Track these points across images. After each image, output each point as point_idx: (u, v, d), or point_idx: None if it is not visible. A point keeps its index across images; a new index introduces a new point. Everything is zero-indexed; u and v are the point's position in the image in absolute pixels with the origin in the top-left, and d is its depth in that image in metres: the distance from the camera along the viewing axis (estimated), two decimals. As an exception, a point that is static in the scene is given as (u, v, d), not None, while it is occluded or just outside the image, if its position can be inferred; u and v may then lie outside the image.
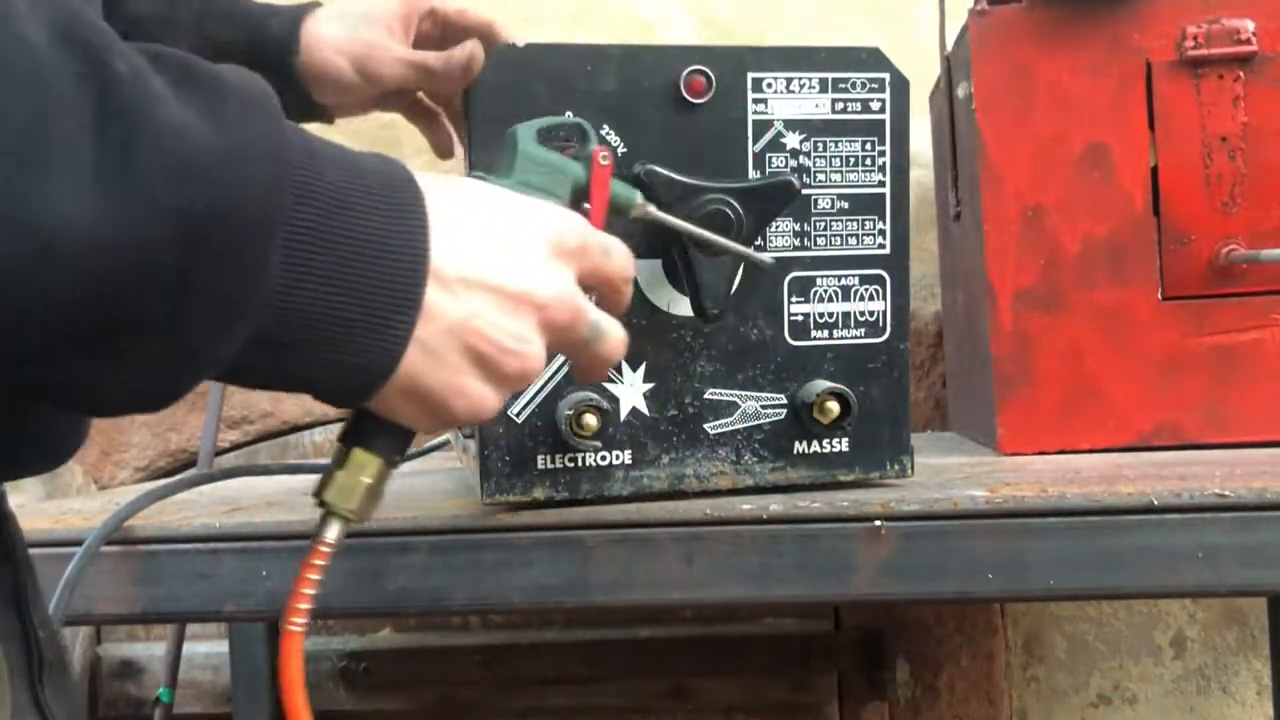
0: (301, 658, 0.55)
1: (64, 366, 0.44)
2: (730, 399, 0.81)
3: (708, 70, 0.79)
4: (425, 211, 0.50)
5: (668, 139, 0.79)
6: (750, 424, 0.82)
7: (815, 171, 0.81)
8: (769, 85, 0.80)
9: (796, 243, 0.82)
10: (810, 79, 0.81)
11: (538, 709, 1.56)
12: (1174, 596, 1.50)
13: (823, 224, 0.82)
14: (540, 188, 0.63)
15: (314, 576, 0.56)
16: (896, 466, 0.84)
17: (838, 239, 0.82)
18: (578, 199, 0.65)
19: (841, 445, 0.83)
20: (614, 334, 0.59)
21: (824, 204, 0.82)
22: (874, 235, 0.83)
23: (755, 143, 0.80)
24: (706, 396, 0.81)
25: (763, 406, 0.82)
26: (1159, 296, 1.05)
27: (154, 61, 0.44)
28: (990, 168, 1.06)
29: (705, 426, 0.82)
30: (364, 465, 0.55)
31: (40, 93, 0.40)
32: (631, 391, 0.80)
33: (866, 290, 0.83)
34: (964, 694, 1.53)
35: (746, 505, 0.78)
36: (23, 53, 0.40)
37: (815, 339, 0.83)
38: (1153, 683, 1.58)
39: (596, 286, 0.59)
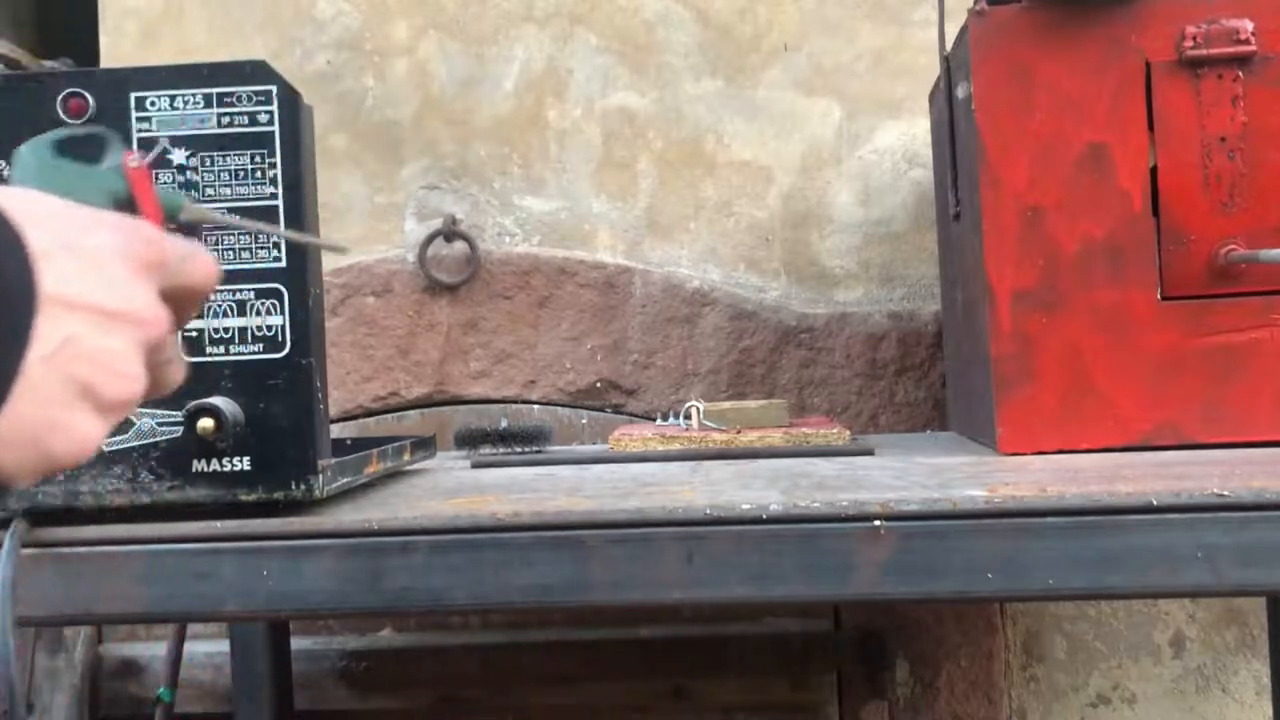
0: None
1: None
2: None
3: (85, 92, 0.81)
4: (22, 237, 0.46)
5: None
6: (146, 442, 0.82)
7: (204, 186, 0.83)
8: (152, 104, 0.82)
9: None
10: (195, 95, 0.82)
11: (538, 709, 1.56)
12: (1174, 596, 1.50)
13: (214, 238, 0.83)
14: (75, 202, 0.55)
15: None
16: (302, 486, 0.83)
17: (230, 253, 0.83)
18: (120, 209, 0.59)
19: (243, 464, 0.82)
20: (182, 358, 0.57)
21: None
22: (268, 248, 0.83)
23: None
24: None
25: (159, 424, 0.82)
26: (1158, 296, 1.05)
27: None
28: (989, 168, 1.06)
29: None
30: None
31: None
32: None
33: (263, 305, 0.83)
34: (963, 694, 1.53)
35: (746, 505, 0.78)
36: None
37: (211, 355, 0.83)
38: (1152, 682, 1.58)
39: (179, 297, 0.55)
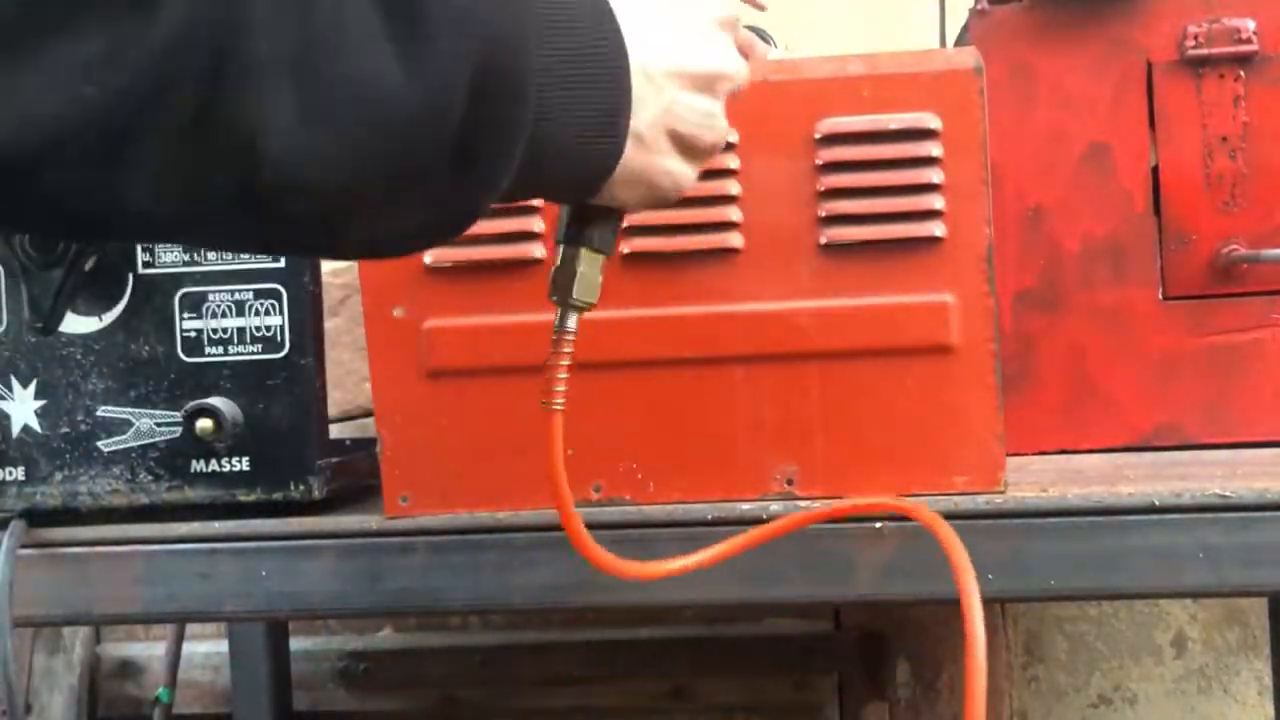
0: (561, 435, 0.67)
1: (372, 216, 0.49)
2: (123, 416, 0.82)
3: None
4: (615, 18, 0.55)
5: None
6: (145, 442, 0.82)
7: None
8: None
9: (186, 258, 0.82)
10: None
11: (538, 709, 1.56)
12: (1174, 596, 1.50)
13: None
14: None
15: (565, 363, 0.66)
16: (301, 486, 0.82)
17: (228, 253, 0.83)
18: None
19: (242, 464, 0.82)
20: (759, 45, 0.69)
21: None
22: None
23: None
24: (99, 414, 0.82)
25: (157, 424, 0.82)
26: (1159, 296, 1.04)
27: None
28: (990, 168, 1.05)
29: (98, 444, 0.82)
30: (593, 260, 0.64)
31: None
32: (23, 408, 0.81)
33: (262, 305, 0.83)
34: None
35: (746, 505, 0.78)
36: None
37: (210, 355, 0.83)
38: (1153, 683, 1.58)
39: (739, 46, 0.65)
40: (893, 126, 0.80)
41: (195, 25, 0.41)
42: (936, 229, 0.80)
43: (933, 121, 0.80)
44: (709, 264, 0.81)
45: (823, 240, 0.81)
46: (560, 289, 0.64)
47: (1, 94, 0.38)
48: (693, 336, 0.81)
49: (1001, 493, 0.79)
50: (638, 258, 0.81)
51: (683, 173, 0.61)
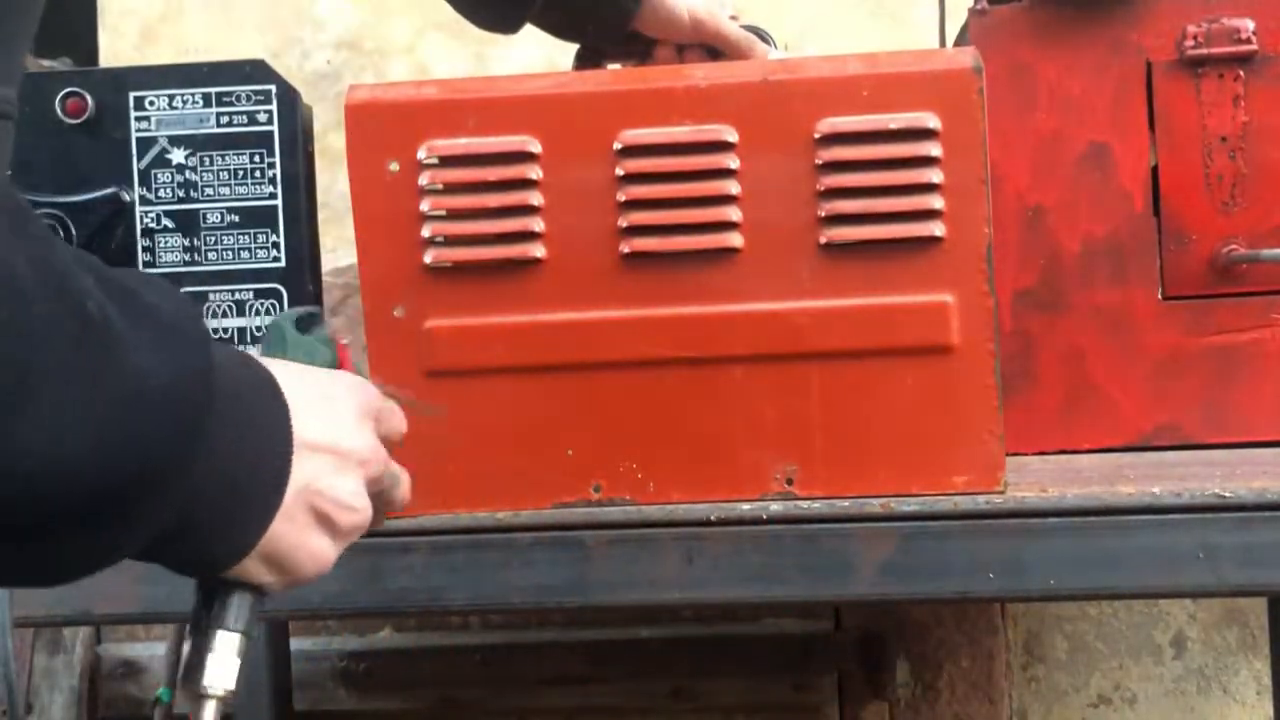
0: None
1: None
2: None
3: (84, 92, 0.81)
4: (284, 396, 0.56)
5: (55, 160, 0.80)
6: None
7: (203, 186, 0.83)
8: (152, 103, 0.82)
9: (187, 258, 0.83)
10: (194, 94, 0.82)
11: (538, 709, 1.56)
12: (1174, 596, 1.50)
13: (213, 238, 0.83)
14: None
15: None
16: None
17: (229, 253, 0.83)
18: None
19: None
20: (405, 478, 0.67)
21: (213, 218, 0.83)
22: (267, 248, 0.83)
23: (140, 160, 0.82)
24: None
25: None
26: (1159, 296, 1.04)
27: (104, 287, 0.48)
28: (990, 167, 1.05)
29: None
30: (229, 642, 0.59)
31: (29, 339, 0.43)
32: None
33: (262, 305, 0.83)
34: (964, 694, 1.53)
35: (746, 505, 0.78)
36: (12, 300, 0.43)
37: None
38: (1153, 683, 1.58)
39: (384, 439, 0.65)
40: (893, 126, 0.80)
41: None
42: (936, 229, 0.80)
43: (932, 121, 0.80)
44: (709, 264, 0.81)
45: (823, 240, 0.81)
46: (191, 678, 0.58)
47: None
48: (693, 336, 0.81)
49: (1001, 493, 0.79)
50: (638, 257, 0.81)
51: (324, 552, 0.59)
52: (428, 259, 0.81)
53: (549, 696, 1.55)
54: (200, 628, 0.59)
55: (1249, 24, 1.03)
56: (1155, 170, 1.04)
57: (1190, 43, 1.03)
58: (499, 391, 0.82)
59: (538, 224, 0.81)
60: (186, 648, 0.60)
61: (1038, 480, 0.84)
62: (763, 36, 0.98)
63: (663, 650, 1.54)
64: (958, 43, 1.13)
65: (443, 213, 0.81)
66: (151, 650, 1.58)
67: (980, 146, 0.82)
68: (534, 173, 0.81)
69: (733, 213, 0.81)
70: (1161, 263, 1.04)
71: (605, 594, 0.78)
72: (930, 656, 1.53)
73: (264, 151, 0.83)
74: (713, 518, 0.78)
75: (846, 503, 0.78)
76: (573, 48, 1.00)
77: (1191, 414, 1.04)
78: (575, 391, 0.80)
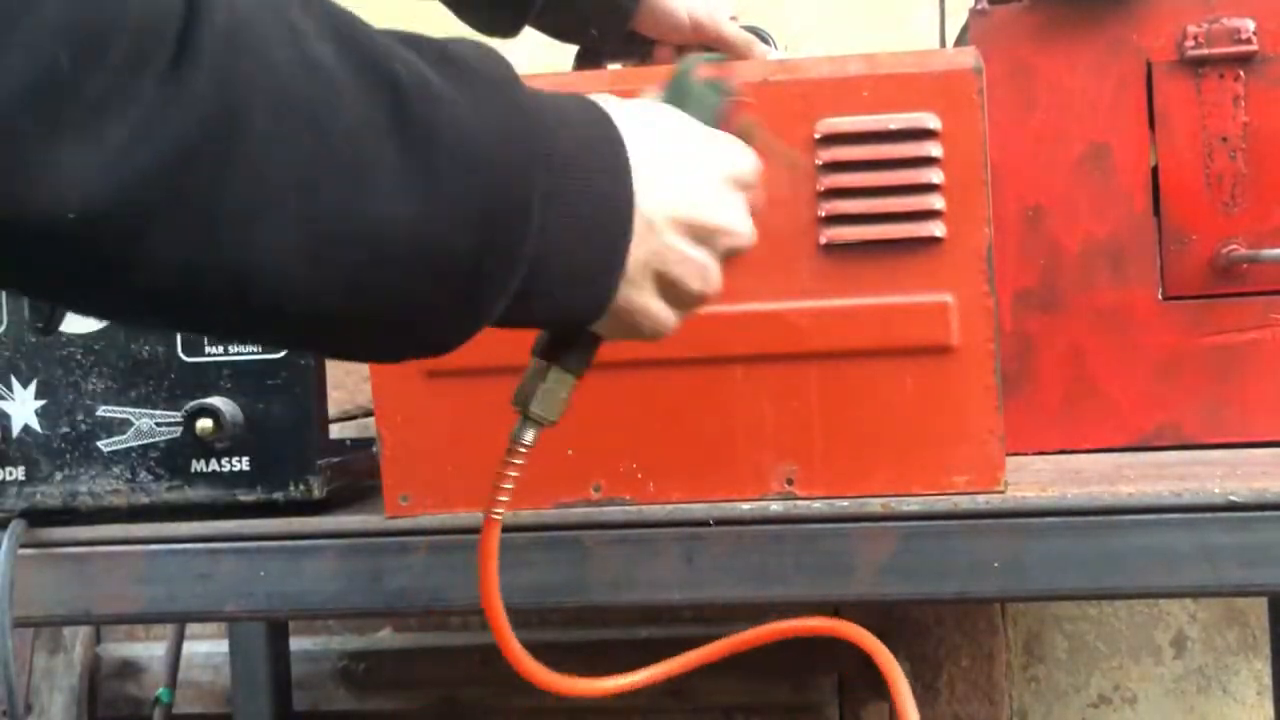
0: (498, 544, 0.67)
1: (363, 339, 0.51)
2: (123, 416, 0.82)
3: None
4: (628, 159, 0.56)
5: None
6: (145, 442, 0.82)
7: None
8: None
9: None
10: None
11: (538, 709, 1.56)
12: (1174, 596, 1.50)
13: None
14: (700, 117, 0.66)
15: (514, 474, 0.65)
16: (301, 486, 0.83)
17: None
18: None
19: (242, 464, 0.82)
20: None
21: None
22: None
23: None
24: (99, 414, 0.82)
25: (157, 424, 0.82)
26: (1159, 296, 1.04)
27: (417, 53, 0.48)
28: (990, 167, 1.05)
29: (99, 444, 0.82)
30: (562, 380, 0.63)
31: (345, 113, 0.44)
32: (23, 408, 0.81)
33: None
34: (964, 694, 1.53)
35: (746, 506, 0.78)
36: (322, 78, 0.43)
37: (210, 355, 0.83)
38: (1153, 683, 1.58)
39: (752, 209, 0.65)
40: (893, 127, 0.80)
41: (196, 142, 0.40)
42: (936, 229, 0.80)
43: (932, 121, 0.80)
44: None
45: (823, 240, 0.81)
46: (522, 399, 0.64)
47: (39, 166, 0.38)
48: (693, 336, 0.81)
49: (1001, 493, 0.79)
50: None
51: (664, 317, 0.61)
52: None
53: (549, 696, 1.55)
54: (541, 358, 0.63)
55: (1249, 24, 1.03)
56: (1155, 170, 1.04)
57: (1190, 43, 1.03)
58: (499, 391, 0.82)
59: None
60: (530, 369, 0.63)
61: (1038, 480, 0.84)
62: (763, 37, 0.98)
63: (663, 650, 1.53)
64: (958, 43, 1.13)
65: None
66: (151, 650, 1.58)
67: (980, 146, 0.82)
68: None
69: None
70: (1161, 263, 1.04)
71: (605, 594, 0.78)
72: (930, 656, 1.53)
73: None
74: (713, 518, 0.78)
75: (846, 503, 0.78)
76: (572, 49, 1.00)
77: (1191, 414, 1.04)
78: (574, 391, 0.80)
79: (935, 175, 0.81)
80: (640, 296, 0.59)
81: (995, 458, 0.81)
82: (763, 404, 0.81)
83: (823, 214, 0.81)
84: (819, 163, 0.81)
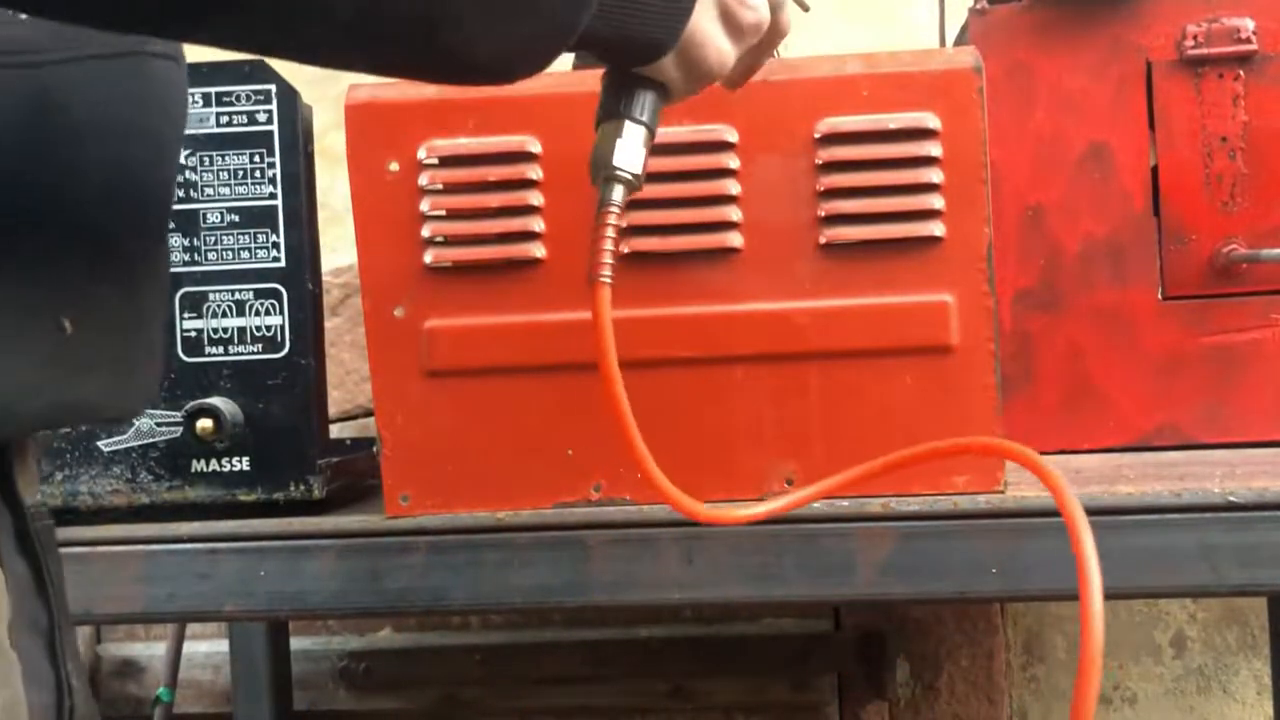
0: (609, 308, 0.64)
1: (484, 22, 0.51)
2: None
3: None
4: None
5: None
6: (145, 442, 0.82)
7: (203, 186, 0.83)
8: None
9: (187, 258, 0.83)
10: (194, 94, 0.82)
11: (538, 709, 1.56)
12: (1174, 596, 1.50)
13: (213, 238, 0.83)
14: None
15: (611, 234, 0.63)
16: (301, 486, 0.83)
17: (229, 253, 0.83)
18: None
19: (242, 464, 0.83)
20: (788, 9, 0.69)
21: (213, 218, 0.83)
22: (267, 248, 0.83)
23: None
24: None
25: (157, 424, 0.82)
26: (1159, 296, 1.04)
27: None
28: (990, 167, 1.05)
29: (99, 444, 0.82)
30: (637, 133, 0.62)
31: None
32: None
33: (262, 305, 0.83)
34: (964, 694, 1.53)
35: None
36: None
37: (210, 355, 0.83)
38: (1153, 682, 1.58)
39: None
40: (892, 126, 0.80)
41: None
42: (936, 229, 0.81)
43: (932, 121, 0.80)
44: (709, 264, 0.81)
45: (822, 240, 0.81)
46: (602, 161, 0.63)
47: None
48: (693, 336, 0.81)
49: (1001, 493, 0.79)
50: (638, 257, 0.81)
51: (727, 51, 0.63)
52: (428, 259, 0.81)
53: (549, 696, 1.55)
54: (610, 117, 0.63)
55: (1249, 24, 1.03)
56: (1155, 170, 1.04)
57: (1190, 43, 1.03)
58: (499, 391, 0.82)
59: (537, 224, 0.81)
60: (599, 136, 0.63)
61: (1038, 480, 0.84)
62: None
63: (663, 650, 1.54)
64: (958, 43, 1.13)
65: (442, 213, 0.81)
66: (151, 650, 1.58)
67: (980, 146, 0.82)
68: (534, 172, 0.81)
69: (733, 212, 0.81)
70: (1161, 263, 1.05)
71: (605, 594, 0.78)
72: (930, 656, 1.53)
73: (264, 151, 0.83)
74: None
75: (846, 503, 0.78)
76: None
77: (1191, 414, 1.04)
78: (575, 391, 0.80)
79: (935, 175, 0.81)
80: (706, 21, 0.61)
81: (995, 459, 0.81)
82: (763, 404, 0.81)
83: (822, 214, 0.81)
84: (819, 162, 0.81)
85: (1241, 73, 1.03)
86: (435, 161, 0.81)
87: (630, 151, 0.63)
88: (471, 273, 0.82)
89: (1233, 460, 0.92)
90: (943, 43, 1.17)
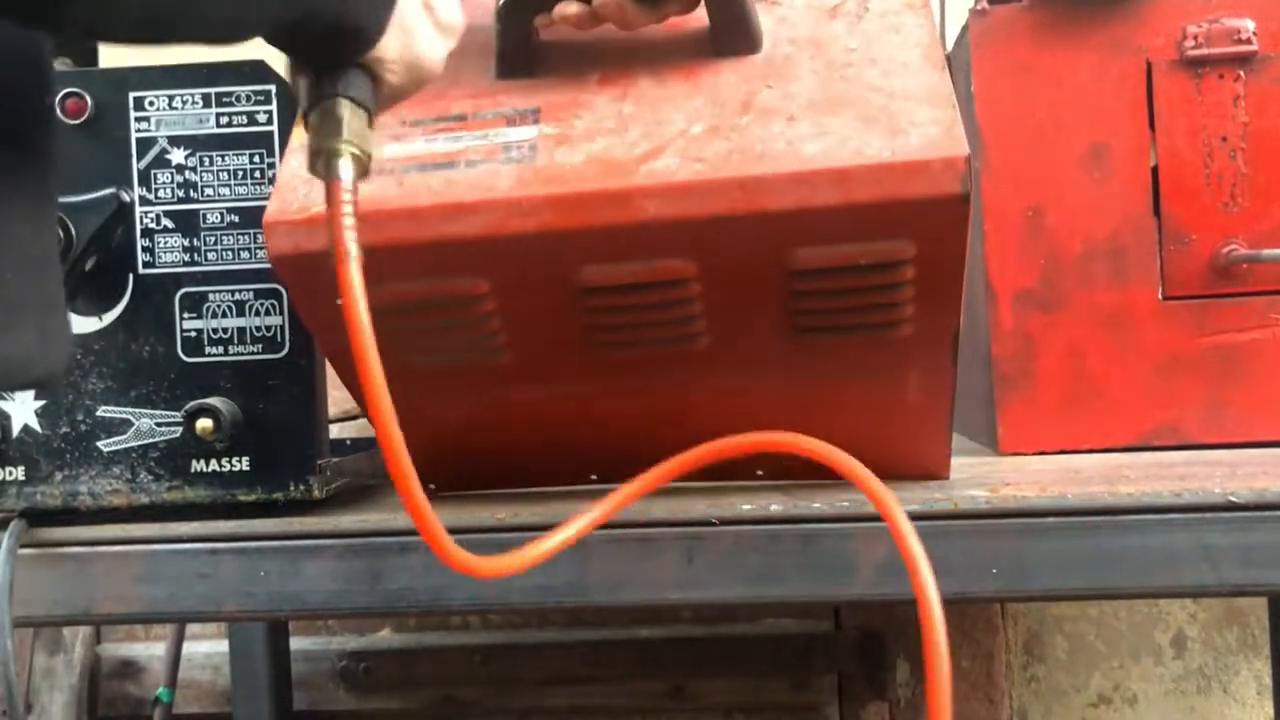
0: (360, 283, 0.57)
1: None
2: (123, 416, 0.82)
3: (83, 92, 0.81)
4: None
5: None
6: (145, 442, 0.82)
7: (203, 186, 0.83)
8: (151, 103, 0.82)
9: (186, 258, 0.83)
10: (194, 95, 0.82)
11: (538, 709, 1.56)
12: (1174, 596, 1.50)
13: (213, 238, 0.83)
14: None
15: (350, 210, 0.58)
16: (301, 486, 0.83)
17: (229, 253, 0.83)
18: None
19: (242, 464, 0.82)
20: None
21: (213, 218, 0.83)
22: (267, 249, 0.83)
23: (140, 160, 0.82)
24: (99, 414, 0.82)
25: (157, 424, 0.82)
26: (1159, 296, 1.04)
27: None
28: (990, 167, 1.06)
29: (99, 444, 0.82)
30: (356, 112, 0.59)
31: None
32: (23, 408, 0.82)
33: (262, 305, 0.83)
34: (964, 694, 1.53)
35: (747, 505, 0.78)
36: None
37: (210, 355, 0.83)
38: (1153, 683, 1.58)
39: None
40: (864, 263, 0.72)
41: None
42: (906, 328, 0.76)
43: (909, 250, 0.72)
44: (675, 366, 0.79)
45: (791, 336, 0.78)
46: (325, 140, 0.58)
47: None
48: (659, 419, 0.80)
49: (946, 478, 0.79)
50: (602, 345, 0.78)
51: (439, 42, 0.64)
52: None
53: (549, 696, 1.55)
54: (327, 98, 0.59)
55: (1249, 24, 1.03)
56: (1155, 170, 1.05)
57: (1190, 43, 1.03)
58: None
59: (497, 326, 0.78)
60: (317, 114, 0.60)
61: (1038, 480, 0.84)
62: None
63: (663, 650, 1.54)
64: (957, 43, 1.13)
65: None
66: (151, 650, 1.58)
67: (960, 263, 0.73)
68: (488, 305, 0.76)
69: (698, 325, 0.77)
70: (1161, 263, 1.05)
71: (605, 594, 0.78)
72: (930, 656, 1.53)
73: (264, 151, 0.83)
74: (713, 518, 0.78)
75: (846, 503, 0.78)
76: None
77: (1191, 414, 1.04)
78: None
79: (909, 292, 0.74)
80: (413, 10, 0.61)
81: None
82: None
83: (793, 324, 0.77)
84: (793, 290, 0.75)
85: (1241, 73, 1.03)
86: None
87: (357, 129, 0.59)
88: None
89: (1233, 460, 0.92)
90: (943, 42, 1.17)
